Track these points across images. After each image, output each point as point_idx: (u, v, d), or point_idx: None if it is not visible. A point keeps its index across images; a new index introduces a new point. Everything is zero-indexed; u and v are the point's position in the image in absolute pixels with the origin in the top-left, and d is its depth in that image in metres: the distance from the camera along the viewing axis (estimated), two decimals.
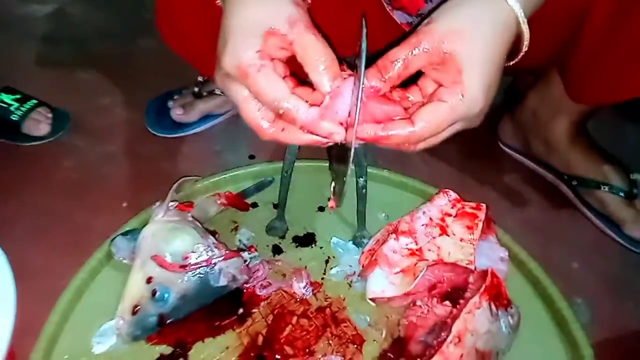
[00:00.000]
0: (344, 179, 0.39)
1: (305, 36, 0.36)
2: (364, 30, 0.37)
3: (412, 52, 0.36)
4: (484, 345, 0.45)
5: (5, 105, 0.74)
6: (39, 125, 0.75)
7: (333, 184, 0.43)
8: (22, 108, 0.75)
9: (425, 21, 0.37)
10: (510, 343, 0.49)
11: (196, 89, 0.78)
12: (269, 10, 0.37)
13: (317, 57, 0.37)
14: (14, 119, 0.74)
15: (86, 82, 0.87)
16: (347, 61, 0.41)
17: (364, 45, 0.36)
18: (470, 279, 0.50)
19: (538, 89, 0.68)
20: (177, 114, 0.77)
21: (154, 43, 0.94)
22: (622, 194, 0.64)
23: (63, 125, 0.77)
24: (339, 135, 0.38)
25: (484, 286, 0.47)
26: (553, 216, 0.68)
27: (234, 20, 0.37)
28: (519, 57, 0.42)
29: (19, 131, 0.74)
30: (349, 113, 0.38)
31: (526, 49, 0.40)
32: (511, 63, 0.42)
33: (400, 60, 0.36)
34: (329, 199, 0.46)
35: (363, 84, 0.36)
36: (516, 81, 0.82)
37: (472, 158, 0.76)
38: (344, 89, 0.37)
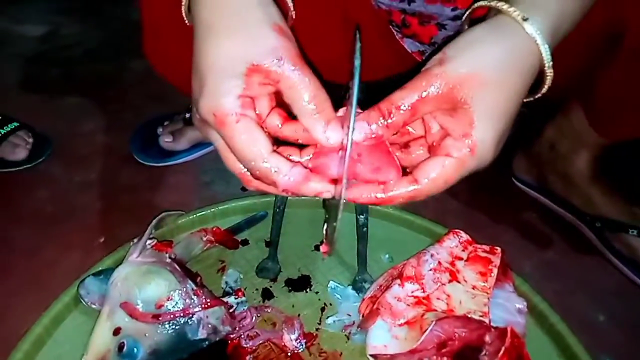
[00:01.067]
0: (335, 225, 0.34)
1: (292, 74, 0.31)
2: (357, 45, 0.31)
3: (421, 96, 0.31)
4: None
5: None
6: (16, 149, 0.70)
7: (325, 226, 0.38)
8: (0, 131, 0.70)
9: (438, 57, 0.32)
10: None
11: (187, 115, 0.74)
12: (249, 42, 0.31)
13: (308, 100, 0.31)
14: None
15: (72, 105, 0.84)
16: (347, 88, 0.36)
17: (356, 73, 0.30)
18: (487, 339, 0.43)
19: (557, 121, 0.64)
20: (165, 141, 0.73)
21: (145, 65, 0.91)
22: None
23: (43, 152, 0.73)
24: (328, 194, 0.33)
25: (503, 348, 0.40)
26: (574, 261, 0.62)
27: (209, 58, 0.32)
28: (538, 95, 0.37)
29: None
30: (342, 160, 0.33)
31: (547, 88, 0.36)
32: (528, 99, 0.37)
33: (406, 104, 0.31)
34: (321, 242, 0.41)
35: (353, 132, 0.31)
36: (532, 113, 0.78)
37: (484, 194, 0.71)
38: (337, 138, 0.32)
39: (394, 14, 0.56)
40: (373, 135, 0.32)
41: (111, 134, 0.76)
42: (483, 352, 0.42)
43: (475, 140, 0.31)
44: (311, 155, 0.34)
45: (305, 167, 0.33)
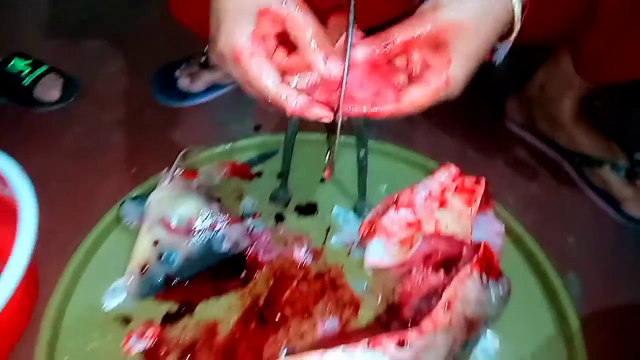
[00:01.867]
0: (334, 148, 0.41)
1: (296, 14, 0.37)
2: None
3: (414, 35, 0.37)
4: (472, 312, 0.46)
5: (16, 71, 0.76)
6: (50, 91, 0.76)
7: (328, 154, 0.45)
8: (33, 74, 0.77)
9: (432, 3, 0.38)
10: (500, 312, 0.51)
11: (203, 59, 0.79)
12: None
13: (309, 37, 0.37)
14: (25, 84, 0.76)
15: (94, 49, 0.88)
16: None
17: (351, 16, 0.37)
18: (464, 251, 0.51)
19: (547, 66, 0.68)
20: (183, 83, 0.78)
21: (160, 10, 0.94)
22: (623, 173, 0.64)
23: (73, 92, 0.79)
24: (327, 119, 0.39)
25: (476, 257, 0.48)
26: (554, 193, 0.69)
27: (225, 3, 0.38)
28: (511, 37, 0.42)
29: (30, 96, 0.76)
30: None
31: (515, 34, 0.41)
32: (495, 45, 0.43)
33: (398, 39, 0.37)
34: (324, 170, 0.48)
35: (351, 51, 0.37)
36: (525, 59, 0.82)
37: (477, 133, 0.76)
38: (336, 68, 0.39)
39: None
40: (370, 56, 0.38)
41: (133, 77, 0.81)
42: (460, 262, 0.51)
43: (450, 75, 0.37)
44: (310, 80, 0.40)
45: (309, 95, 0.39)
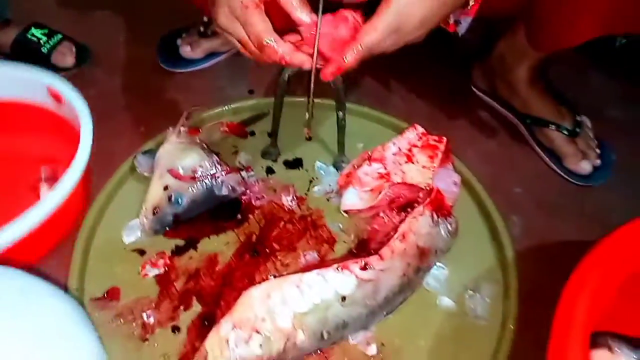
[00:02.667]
0: (310, 107, 0.51)
1: None
2: None
3: None
4: (423, 243, 0.57)
5: (36, 39, 0.84)
6: (66, 57, 0.85)
7: (307, 115, 0.55)
8: (50, 42, 0.85)
9: None
10: (450, 245, 0.62)
11: (201, 29, 0.87)
12: None
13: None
14: (44, 51, 0.84)
15: (103, 20, 0.95)
16: None
17: None
18: (420, 195, 0.62)
19: (506, 39, 0.76)
20: (184, 51, 0.86)
21: None
22: (566, 132, 0.74)
23: (86, 58, 0.87)
24: (307, 63, 0.50)
25: (428, 199, 0.59)
26: (508, 150, 0.78)
27: None
28: (470, 6, 0.51)
29: (49, 62, 0.84)
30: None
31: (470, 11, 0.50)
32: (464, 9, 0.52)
33: None
34: (304, 127, 0.57)
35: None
36: (491, 32, 0.90)
37: (445, 98, 0.85)
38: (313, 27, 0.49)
39: None
40: None
41: (139, 45, 0.89)
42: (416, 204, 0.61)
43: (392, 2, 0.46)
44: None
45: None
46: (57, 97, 0.68)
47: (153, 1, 0.99)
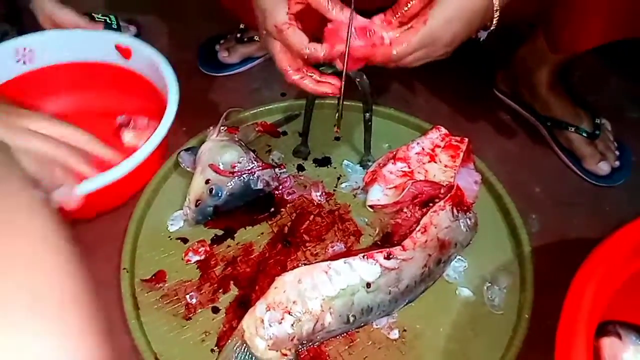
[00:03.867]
0: (340, 107, 0.56)
1: None
2: None
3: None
4: (444, 235, 0.62)
5: (102, 19, 0.90)
6: (129, 27, 0.94)
7: (337, 114, 0.60)
8: (112, 18, 0.92)
9: None
10: (469, 239, 0.66)
11: (238, 35, 0.93)
12: None
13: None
14: (114, 27, 0.90)
15: (145, 25, 1.02)
16: None
17: None
18: (441, 191, 0.66)
19: (527, 44, 0.80)
20: (222, 56, 0.92)
21: None
22: (585, 134, 0.77)
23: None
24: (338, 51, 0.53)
25: (449, 195, 0.63)
26: (528, 151, 0.81)
27: None
28: (493, 24, 0.55)
29: None
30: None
31: (496, 20, 0.54)
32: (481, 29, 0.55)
33: (406, 5, 0.51)
34: (334, 126, 0.62)
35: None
36: (514, 39, 0.93)
37: (469, 101, 0.88)
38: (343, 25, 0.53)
39: None
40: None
41: (180, 49, 0.96)
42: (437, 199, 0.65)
43: (427, 14, 0.49)
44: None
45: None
46: (125, 52, 0.76)
47: (194, 9, 1.06)
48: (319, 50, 0.52)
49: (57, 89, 0.81)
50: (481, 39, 0.70)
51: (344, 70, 0.53)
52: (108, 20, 0.90)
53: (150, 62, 0.75)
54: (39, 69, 0.79)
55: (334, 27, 0.53)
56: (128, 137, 0.77)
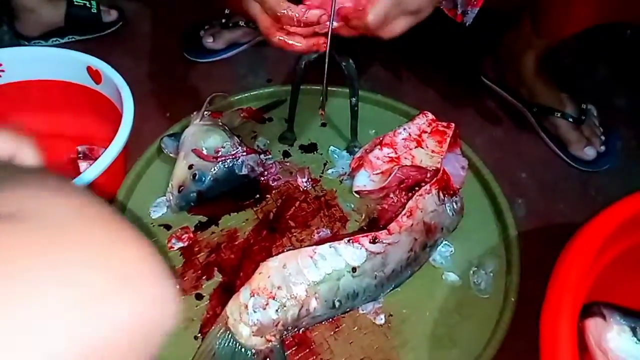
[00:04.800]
0: (325, 88, 0.54)
1: None
2: None
3: None
4: (430, 219, 0.61)
5: (81, 4, 0.91)
6: (110, 12, 0.93)
7: (322, 97, 0.59)
8: (93, 3, 0.92)
9: None
10: (456, 223, 0.65)
11: (223, 21, 0.91)
12: None
13: None
14: (94, 12, 0.91)
15: (129, 11, 1.00)
16: None
17: None
18: (428, 175, 0.65)
19: (513, 30, 0.79)
20: (207, 42, 0.91)
21: None
22: (571, 119, 0.77)
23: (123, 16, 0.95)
24: (324, 17, 0.52)
25: (435, 179, 0.62)
26: (514, 137, 0.81)
27: None
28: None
29: (101, 21, 0.92)
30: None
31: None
32: None
33: None
34: (319, 109, 0.61)
35: None
36: (500, 25, 0.93)
37: (456, 88, 0.88)
38: None
39: None
40: None
41: (164, 35, 0.95)
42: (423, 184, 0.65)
43: None
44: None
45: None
46: (96, 76, 0.74)
47: None
48: (295, 11, 0.50)
49: (26, 105, 0.79)
50: (467, 24, 0.69)
51: (328, 48, 0.52)
52: (87, 4, 0.88)
53: (115, 86, 0.71)
54: (7, 84, 0.77)
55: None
56: (83, 168, 0.73)
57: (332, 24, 0.52)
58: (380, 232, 0.59)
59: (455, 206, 0.64)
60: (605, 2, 0.58)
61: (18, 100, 0.78)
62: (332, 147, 0.77)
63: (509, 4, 0.72)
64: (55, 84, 0.77)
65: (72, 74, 0.76)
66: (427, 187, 0.62)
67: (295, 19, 0.51)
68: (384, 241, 0.59)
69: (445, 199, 0.63)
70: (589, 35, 0.66)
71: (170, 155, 0.71)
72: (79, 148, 0.74)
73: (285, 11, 0.50)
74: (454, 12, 0.71)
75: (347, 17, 0.52)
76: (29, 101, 0.79)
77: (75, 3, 0.91)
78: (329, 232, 0.68)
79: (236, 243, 0.66)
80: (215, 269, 0.64)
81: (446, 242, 0.66)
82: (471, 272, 0.64)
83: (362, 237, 0.58)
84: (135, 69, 0.91)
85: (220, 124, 0.70)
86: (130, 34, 0.96)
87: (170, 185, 0.67)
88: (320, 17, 0.52)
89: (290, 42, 0.53)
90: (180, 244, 0.66)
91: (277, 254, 0.62)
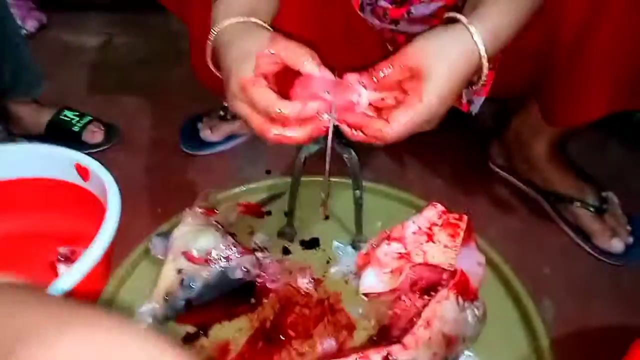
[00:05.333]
0: (326, 184, 0.49)
1: (287, 44, 0.47)
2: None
3: (391, 67, 0.47)
4: (449, 330, 0.53)
5: (68, 119, 0.90)
6: (95, 134, 0.90)
7: (323, 195, 0.54)
8: (81, 121, 0.90)
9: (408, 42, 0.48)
10: (477, 332, 0.57)
11: (222, 113, 0.90)
12: (254, 40, 0.49)
13: (301, 53, 0.47)
14: (75, 130, 0.89)
15: (128, 104, 1.01)
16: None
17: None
18: (444, 276, 0.59)
19: (520, 115, 0.77)
20: (205, 134, 0.89)
21: (186, 71, 1.08)
22: (592, 209, 0.71)
23: (115, 136, 0.92)
24: (323, 106, 0.48)
25: (452, 282, 0.56)
26: (532, 227, 0.76)
27: (232, 55, 0.49)
28: (479, 84, 0.51)
29: (80, 140, 0.89)
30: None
31: (485, 78, 0.50)
32: (473, 88, 0.52)
33: (383, 70, 0.47)
34: (320, 206, 0.56)
35: None
36: (506, 109, 0.91)
37: (463, 175, 0.84)
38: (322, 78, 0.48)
39: (385, 31, 0.70)
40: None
41: (162, 129, 0.93)
42: (439, 287, 0.58)
43: (422, 93, 0.45)
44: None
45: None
46: (84, 173, 0.70)
47: (175, 87, 1.05)
48: (289, 108, 0.46)
49: (10, 204, 0.76)
50: (473, 113, 0.67)
51: (328, 144, 0.48)
52: (73, 120, 0.91)
53: (103, 185, 0.68)
54: None
55: (304, 79, 0.48)
56: (62, 272, 0.68)
57: (334, 105, 0.48)
58: (393, 346, 0.51)
59: (477, 312, 0.56)
60: (622, 90, 0.56)
61: (2, 199, 0.74)
62: (335, 243, 0.71)
63: (515, 93, 0.70)
64: (42, 182, 0.74)
65: (59, 171, 0.73)
66: (445, 292, 0.55)
67: (292, 119, 0.47)
68: (399, 358, 0.50)
69: (466, 304, 0.56)
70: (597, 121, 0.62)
71: (159, 257, 0.65)
72: (60, 250, 0.69)
73: (280, 110, 0.46)
74: (459, 102, 0.69)
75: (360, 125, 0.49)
76: (14, 200, 0.75)
77: (60, 117, 0.91)
78: (334, 343, 0.60)
79: (228, 358, 0.58)
80: None
81: (469, 352, 0.57)
82: None
83: (374, 353, 0.51)
84: (130, 163, 0.88)
85: (214, 222, 0.65)
86: (128, 125, 0.95)
87: (155, 292, 0.60)
88: (318, 110, 0.48)
89: (289, 134, 0.48)
90: None
91: None
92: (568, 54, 0.59)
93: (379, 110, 0.50)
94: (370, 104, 0.50)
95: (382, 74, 0.47)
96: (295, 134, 0.48)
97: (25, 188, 0.75)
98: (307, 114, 0.48)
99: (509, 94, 0.68)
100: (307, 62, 0.48)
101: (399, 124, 0.46)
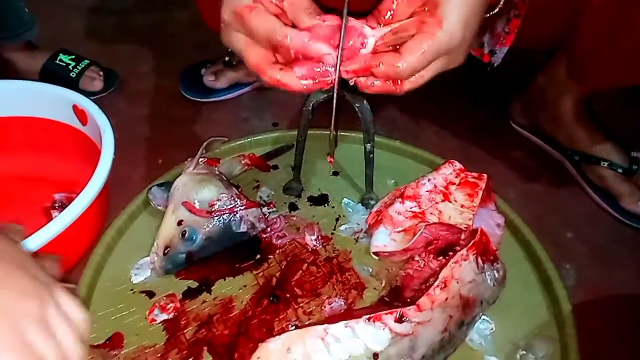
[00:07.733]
0: (333, 129, 0.44)
1: None
2: None
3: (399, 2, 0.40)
4: (468, 291, 0.50)
5: (64, 64, 0.84)
6: (94, 81, 0.84)
7: (330, 139, 0.50)
8: (78, 67, 0.85)
9: None
10: (496, 295, 0.54)
11: (227, 58, 0.84)
12: None
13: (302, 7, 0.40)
14: (72, 76, 0.83)
15: (127, 50, 0.95)
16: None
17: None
18: (462, 236, 0.55)
19: (546, 71, 0.72)
20: (208, 80, 0.84)
21: (188, 15, 1.01)
22: (620, 170, 0.67)
23: (113, 83, 0.86)
24: (329, 56, 0.41)
25: (472, 242, 0.52)
26: (554, 189, 0.72)
27: None
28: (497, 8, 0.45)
29: (77, 87, 0.83)
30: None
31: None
32: (490, 14, 0.46)
33: (391, 7, 0.40)
34: (327, 155, 0.51)
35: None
36: (529, 64, 0.85)
37: (482, 133, 0.80)
38: (328, 25, 0.41)
39: None
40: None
41: (162, 75, 0.88)
42: (458, 247, 0.54)
43: (441, 17, 0.38)
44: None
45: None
46: (82, 116, 0.66)
47: (176, 32, 0.99)
48: (292, 37, 0.39)
49: (8, 144, 0.72)
50: (495, 64, 0.61)
51: (336, 77, 0.42)
52: (69, 66, 0.85)
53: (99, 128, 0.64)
54: None
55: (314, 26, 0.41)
56: None
57: (340, 57, 0.42)
58: (407, 308, 0.48)
59: (496, 274, 0.53)
60: None
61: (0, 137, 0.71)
62: (345, 200, 0.67)
63: (542, 44, 0.64)
64: (39, 122, 0.70)
65: (57, 112, 0.68)
66: (464, 252, 0.51)
67: (292, 48, 0.40)
68: (413, 320, 0.48)
69: (485, 266, 0.52)
70: None
71: (159, 208, 0.61)
72: (56, 196, 0.65)
73: (286, 36, 0.39)
74: (481, 52, 0.63)
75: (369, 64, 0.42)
76: (12, 139, 0.71)
77: (58, 60, 0.85)
78: (343, 303, 0.57)
79: (231, 315, 0.56)
80: (205, 348, 0.53)
81: (485, 316, 0.54)
82: (518, 356, 0.52)
83: (386, 314, 0.48)
84: (129, 111, 0.83)
85: (217, 172, 0.61)
86: (123, 71, 0.89)
87: (155, 244, 0.58)
88: (324, 56, 0.41)
89: (286, 80, 0.42)
90: (164, 316, 0.55)
91: (279, 332, 0.53)
92: (606, 4, 0.53)
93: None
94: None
95: (389, 14, 0.40)
96: (294, 81, 0.42)
97: (19, 127, 0.70)
98: (311, 52, 0.41)
99: (535, 45, 0.62)
100: (306, 18, 0.41)
101: (415, 55, 0.39)
